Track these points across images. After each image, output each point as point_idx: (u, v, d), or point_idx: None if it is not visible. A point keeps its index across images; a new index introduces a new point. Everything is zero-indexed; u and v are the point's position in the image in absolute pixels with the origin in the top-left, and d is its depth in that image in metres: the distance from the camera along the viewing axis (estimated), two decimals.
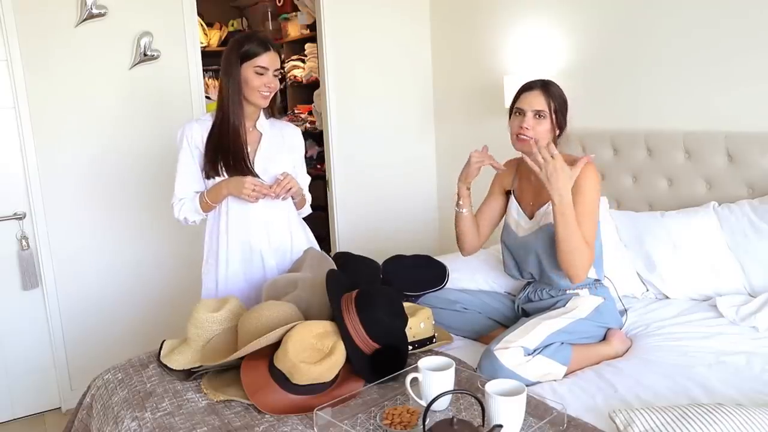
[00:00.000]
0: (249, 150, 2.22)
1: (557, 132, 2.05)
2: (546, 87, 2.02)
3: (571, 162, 1.98)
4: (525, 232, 2.08)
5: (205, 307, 1.89)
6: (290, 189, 2.17)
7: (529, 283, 2.17)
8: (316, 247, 2.43)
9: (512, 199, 2.17)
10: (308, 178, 2.42)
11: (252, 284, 2.29)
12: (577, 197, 1.93)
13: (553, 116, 2.01)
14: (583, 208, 1.93)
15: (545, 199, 2.02)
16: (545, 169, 1.86)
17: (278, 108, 2.45)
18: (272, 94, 2.20)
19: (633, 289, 2.36)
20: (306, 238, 2.40)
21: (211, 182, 2.20)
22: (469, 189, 2.15)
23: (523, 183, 2.16)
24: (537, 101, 2.00)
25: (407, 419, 1.50)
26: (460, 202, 2.15)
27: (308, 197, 2.40)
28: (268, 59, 2.14)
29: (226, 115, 2.17)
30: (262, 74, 2.13)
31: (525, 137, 2.00)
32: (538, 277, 2.09)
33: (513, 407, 1.41)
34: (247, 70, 2.13)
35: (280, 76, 2.20)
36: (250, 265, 2.29)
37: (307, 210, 2.44)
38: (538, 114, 2.00)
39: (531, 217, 2.08)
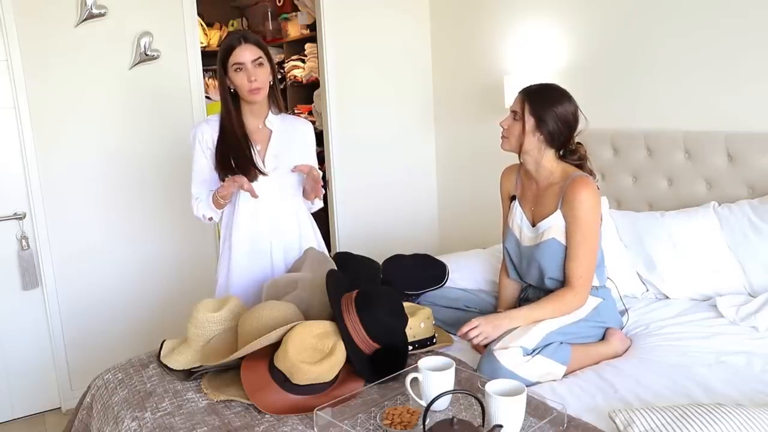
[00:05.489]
0: (259, 148, 2.22)
1: (548, 143, 1.96)
2: (530, 92, 1.98)
3: (566, 178, 1.95)
4: (528, 242, 2.04)
5: (205, 307, 1.89)
6: (311, 172, 2.21)
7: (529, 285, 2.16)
8: (323, 245, 2.43)
9: (516, 203, 2.12)
10: (320, 173, 2.42)
11: (260, 280, 2.29)
12: (573, 226, 1.90)
13: (528, 121, 1.94)
14: (580, 238, 1.89)
15: (546, 209, 1.99)
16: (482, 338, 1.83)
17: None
18: (263, 88, 2.14)
19: (633, 289, 2.36)
20: (314, 236, 2.40)
21: None
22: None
23: (525, 188, 2.11)
24: (516, 102, 2.00)
25: (407, 419, 1.50)
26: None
27: (320, 190, 2.40)
28: (243, 53, 2.10)
29: (224, 119, 2.19)
30: (241, 70, 2.11)
31: (502, 136, 2.03)
32: (539, 285, 2.07)
33: (513, 407, 1.41)
34: (230, 71, 2.13)
35: (263, 64, 2.13)
36: (259, 260, 2.29)
37: (319, 204, 2.43)
38: (515, 114, 2.00)
39: (533, 224, 2.05)
